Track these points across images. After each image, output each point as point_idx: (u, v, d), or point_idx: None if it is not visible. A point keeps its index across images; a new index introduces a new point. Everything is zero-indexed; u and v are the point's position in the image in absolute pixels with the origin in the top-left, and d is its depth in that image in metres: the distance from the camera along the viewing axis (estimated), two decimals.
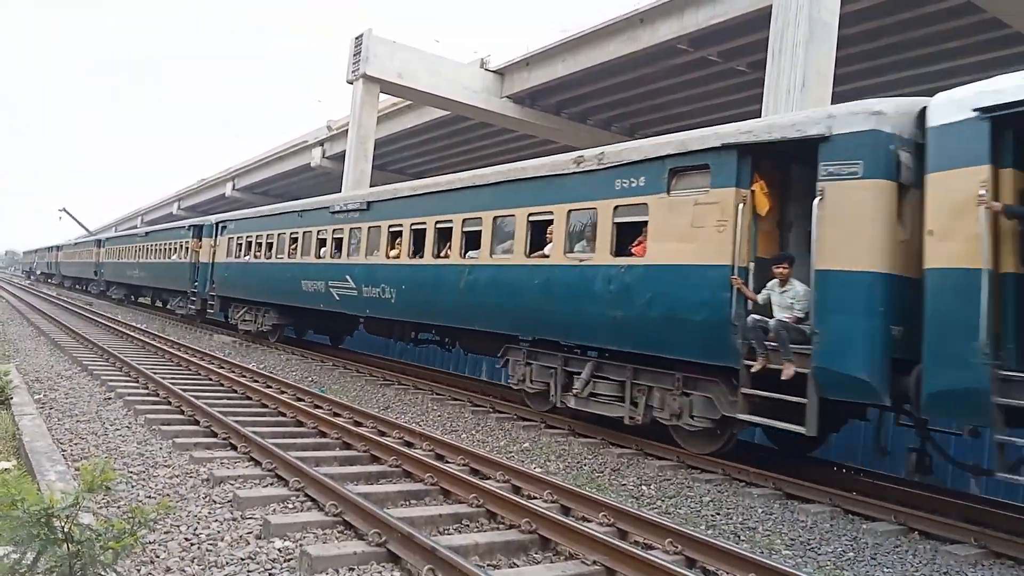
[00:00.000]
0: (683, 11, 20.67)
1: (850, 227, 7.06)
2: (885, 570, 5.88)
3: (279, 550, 5.07)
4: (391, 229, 14.28)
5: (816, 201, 7.27)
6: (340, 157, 31.60)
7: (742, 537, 6.40)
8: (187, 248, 26.31)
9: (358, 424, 9.51)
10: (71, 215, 73.41)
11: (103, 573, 3.73)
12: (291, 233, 18.55)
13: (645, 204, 8.98)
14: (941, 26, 18.84)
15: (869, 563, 5.99)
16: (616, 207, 9.39)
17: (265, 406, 10.51)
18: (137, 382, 11.71)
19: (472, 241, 12.11)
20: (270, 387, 12.08)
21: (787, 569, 4.97)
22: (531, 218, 10.82)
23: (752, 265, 8.03)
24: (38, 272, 70.40)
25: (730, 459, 8.61)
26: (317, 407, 10.50)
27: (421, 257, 13.17)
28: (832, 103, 13.86)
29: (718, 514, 7.02)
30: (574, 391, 10.00)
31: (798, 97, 14.61)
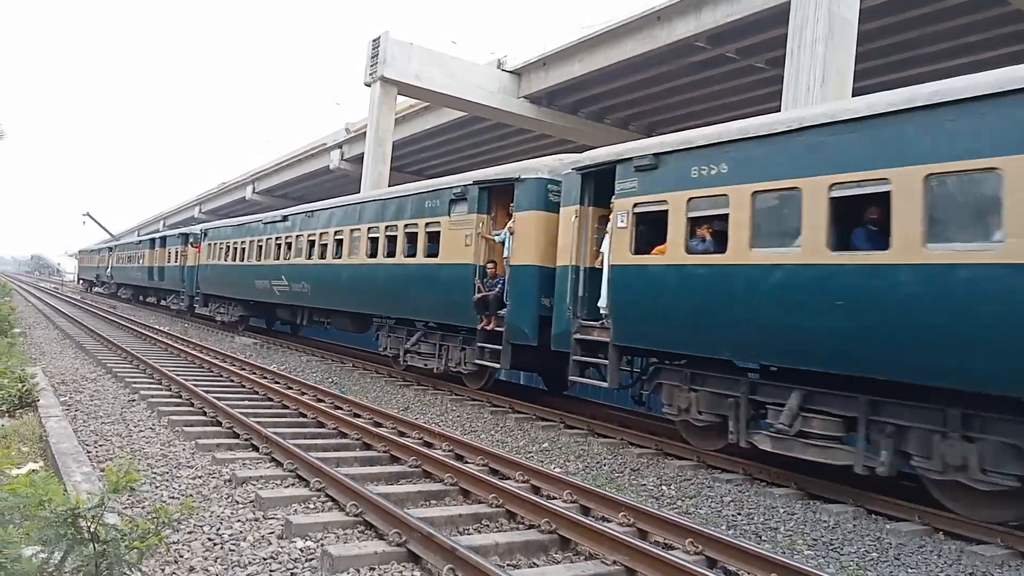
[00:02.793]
0: (700, 8, 20.54)
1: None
2: (909, 571, 5.82)
3: (301, 550, 5.12)
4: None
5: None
6: (359, 159, 31.74)
7: (764, 537, 6.36)
8: None
9: (378, 425, 9.56)
10: (95, 220, 74.19)
11: (128, 572, 3.79)
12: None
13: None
14: (963, 20, 18.57)
15: (893, 563, 5.93)
16: None
17: (286, 407, 10.60)
18: (160, 384, 11.85)
19: None
20: (291, 388, 12.17)
21: (809, 569, 4.93)
22: None
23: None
24: (113, 281, 46.57)
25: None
26: (338, 408, 10.57)
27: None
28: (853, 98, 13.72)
29: (739, 514, 6.99)
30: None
31: (818, 93, 14.48)
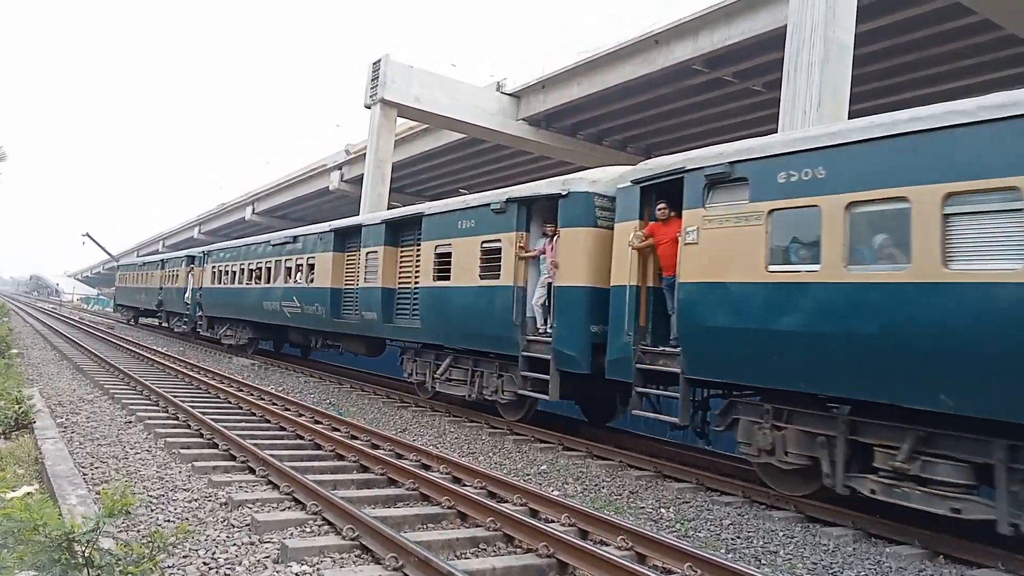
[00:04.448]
0: (698, 32, 20.77)
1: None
2: None
3: (296, 574, 5.08)
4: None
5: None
6: (358, 181, 31.88)
7: (763, 561, 6.32)
8: None
9: (375, 447, 9.52)
10: (94, 240, 74.24)
11: None
12: None
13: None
14: (958, 44, 18.79)
15: None
16: None
17: (283, 429, 10.56)
18: (157, 405, 11.81)
19: None
20: (288, 409, 12.13)
21: None
22: None
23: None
24: (203, 315, 27.15)
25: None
26: (335, 430, 10.53)
27: None
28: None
29: (738, 537, 6.95)
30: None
31: (814, 116, 14.57)
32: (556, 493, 7.88)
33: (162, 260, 34.14)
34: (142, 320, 40.12)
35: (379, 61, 26.87)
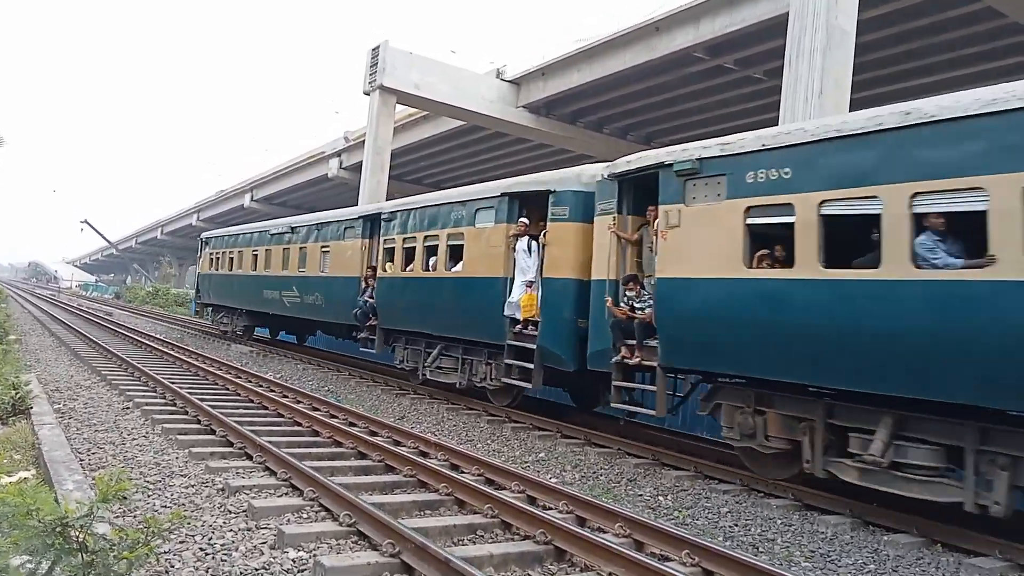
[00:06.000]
0: (699, 19, 20.64)
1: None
2: None
3: (293, 560, 5.07)
4: None
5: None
6: (357, 168, 31.75)
7: (761, 549, 6.31)
8: None
9: (373, 434, 9.51)
10: (93, 227, 74.17)
11: None
12: None
13: None
14: (961, 32, 18.67)
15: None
16: None
17: (281, 415, 10.54)
18: (155, 392, 11.79)
19: None
20: (286, 396, 12.12)
21: None
22: None
23: None
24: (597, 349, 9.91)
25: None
26: (333, 417, 10.51)
27: None
28: (850, 110, 13.74)
29: (736, 525, 6.94)
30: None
31: (816, 104, 14.49)
32: (554, 480, 7.87)
33: (366, 216, 16.21)
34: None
35: (378, 47, 26.71)
